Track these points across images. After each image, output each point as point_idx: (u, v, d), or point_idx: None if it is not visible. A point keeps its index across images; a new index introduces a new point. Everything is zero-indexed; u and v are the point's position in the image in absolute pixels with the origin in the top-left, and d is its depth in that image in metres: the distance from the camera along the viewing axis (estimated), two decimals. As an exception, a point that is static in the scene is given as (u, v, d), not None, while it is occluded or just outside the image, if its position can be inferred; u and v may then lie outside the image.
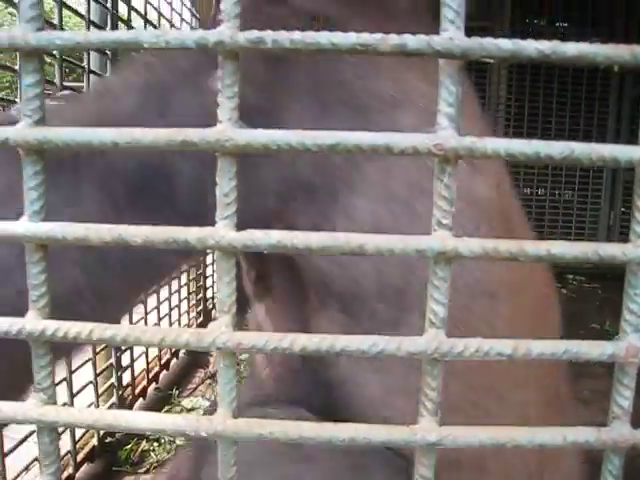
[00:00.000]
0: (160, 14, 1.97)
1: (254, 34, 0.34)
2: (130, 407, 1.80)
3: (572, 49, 0.35)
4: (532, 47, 0.35)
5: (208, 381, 2.08)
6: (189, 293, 2.48)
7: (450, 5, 0.35)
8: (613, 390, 0.39)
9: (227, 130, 0.35)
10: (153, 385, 2.03)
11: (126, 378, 1.85)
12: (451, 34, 0.35)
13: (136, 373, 1.93)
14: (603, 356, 0.37)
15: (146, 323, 1.88)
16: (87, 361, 1.55)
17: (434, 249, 0.35)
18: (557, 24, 4.57)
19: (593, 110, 4.61)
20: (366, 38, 0.34)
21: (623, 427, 0.39)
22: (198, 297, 2.61)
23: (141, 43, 0.35)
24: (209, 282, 2.80)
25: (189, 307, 2.48)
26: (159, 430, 0.37)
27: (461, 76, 0.36)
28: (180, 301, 2.32)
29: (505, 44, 0.35)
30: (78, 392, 1.51)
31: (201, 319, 2.60)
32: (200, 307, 2.61)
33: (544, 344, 0.37)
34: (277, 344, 0.36)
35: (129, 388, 1.88)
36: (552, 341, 0.37)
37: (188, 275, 2.42)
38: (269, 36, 0.34)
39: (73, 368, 1.45)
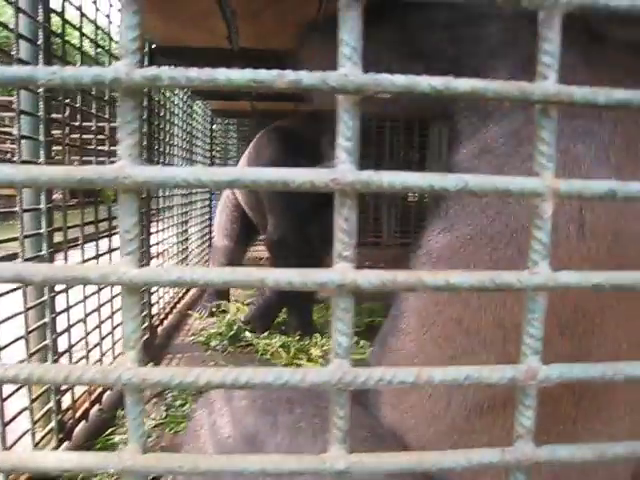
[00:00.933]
0: (97, 27, 1.88)
1: (150, 71, 0.34)
2: (71, 431, 1.73)
3: (464, 85, 0.36)
4: (425, 83, 0.35)
5: (154, 400, 2.00)
6: None
7: (347, 42, 0.36)
8: (516, 411, 0.40)
9: (126, 167, 0.35)
10: (96, 407, 1.93)
11: (66, 401, 1.76)
12: (346, 70, 0.35)
13: (77, 395, 1.83)
14: (503, 380, 0.38)
15: (87, 344, 1.82)
16: (20, 387, 1.46)
17: (334, 281, 0.36)
18: None
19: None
20: (262, 74, 0.35)
21: (526, 446, 0.40)
22: (143, 314, 2.53)
23: (37, 79, 0.35)
24: (154, 298, 2.75)
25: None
26: (66, 469, 0.37)
27: (360, 111, 0.36)
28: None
29: (399, 80, 0.35)
30: (10, 421, 1.41)
31: (147, 336, 2.54)
32: (145, 324, 2.53)
33: (446, 371, 0.38)
34: (182, 379, 0.36)
35: (69, 411, 1.77)
36: (454, 367, 0.38)
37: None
38: (165, 72, 0.35)
39: (4, 395, 1.35)
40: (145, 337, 2.44)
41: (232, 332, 2.71)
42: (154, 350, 2.50)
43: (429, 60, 1.00)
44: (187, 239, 3.57)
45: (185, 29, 2.08)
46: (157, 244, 2.67)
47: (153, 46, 2.37)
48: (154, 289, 2.63)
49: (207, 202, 4.36)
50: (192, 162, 3.74)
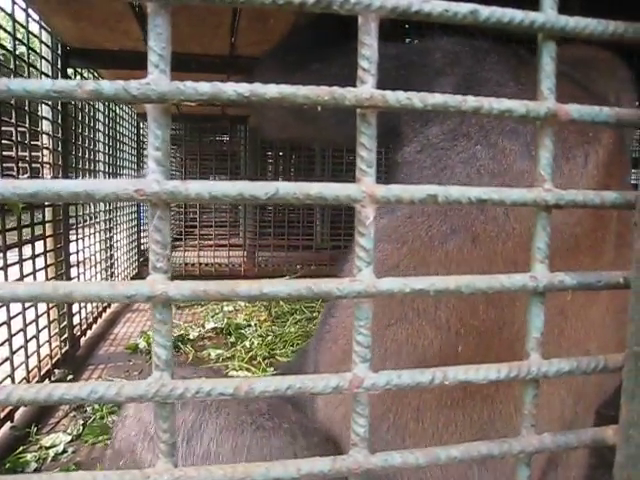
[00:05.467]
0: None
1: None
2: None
3: (272, 91, 0.35)
4: (231, 90, 0.35)
5: (72, 414, 1.93)
6: (50, 322, 2.27)
7: (154, 49, 0.35)
8: (351, 419, 0.40)
9: None
10: (8, 424, 1.82)
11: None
12: (150, 78, 0.34)
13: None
14: (327, 389, 0.38)
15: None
16: None
17: (144, 294, 0.35)
18: None
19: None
20: (61, 84, 0.34)
21: (359, 454, 0.40)
22: (62, 325, 2.41)
23: None
24: (75, 307, 2.63)
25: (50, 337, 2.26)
26: None
27: (168, 120, 0.35)
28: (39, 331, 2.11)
29: (203, 87, 0.35)
30: None
31: (67, 347, 2.42)
32: (65, 335, 2.43)
33: (266, 381, 0.37)
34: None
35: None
36: (277, 378, 0.38)
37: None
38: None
39: None
40: (64, 349, 2.36)
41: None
42: (75, 362, 2.43)
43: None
44: (112, 247, 3.49)
45: (98, 31, 2.03)
46: (77, 252, 2.60)
47: (67, 48, 2.30)
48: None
49: (134, 209, 4.28)
50: (117, 168, 3.66)
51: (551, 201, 0.40)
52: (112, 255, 3.46)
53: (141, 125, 4.50)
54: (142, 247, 4.49)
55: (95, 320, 2.98)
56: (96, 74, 2.85)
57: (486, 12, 0.38)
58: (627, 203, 0.42)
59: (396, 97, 0.37)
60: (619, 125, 0.42)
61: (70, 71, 2.43)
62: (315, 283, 0.37)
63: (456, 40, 1.05)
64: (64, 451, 1.65)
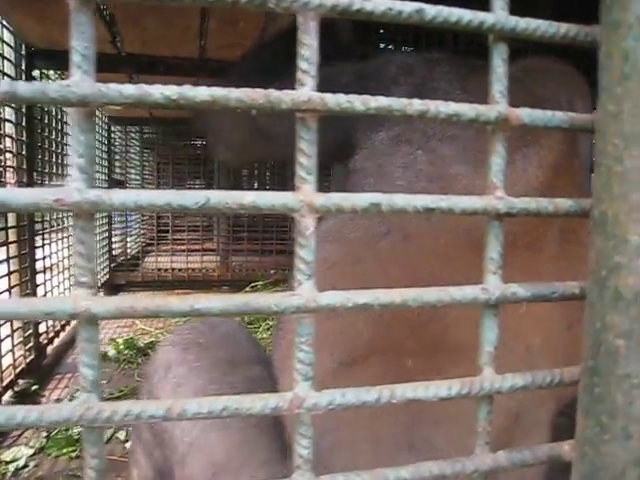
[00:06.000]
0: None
1: None
2: None
3: (203, 94, 0.33)
4: (158, 92, 0.33)
5: None
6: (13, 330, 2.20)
7: (76, 48, 0.32)
8: (294, 441, 0.38)
9: None
10: None
11: None
12: (72, 80, 0.32)
13: None
14: (266, 409, 0.36)
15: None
16: None
17: (65, 311, 0.33)
18: (404, 49, 4.67)
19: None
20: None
21: (302, 477, 0.38)
22: (27, 333, 2.35)
23: None
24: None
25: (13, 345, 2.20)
26: None
27: (92, 124, 0.33)
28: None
29: (128, 90, 0.32)
30: None
31: (32, 356, 2.36)
32: (30, 344, 2.35)
33: (200, 403, 0.35)
34: None
35: None
36: (211, 398, 0.35)
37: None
38: None
39: None
40: (29, 358, 2.30)
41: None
42: (41, 371, 2.38)
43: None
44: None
45: (63, 31, 1.98)
46: (44, 258, 2.55)
47: (32, 49, 2.25)
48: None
49: (106, 213, 4.21)
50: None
51: (502, 209, 0.39)
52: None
53: (112, 129, 4.45)
54: (113, 252, 4.42)
55: (63, 327, 2.92)
56: (63, 76, 2.80)
57: (432, 11, 0.36)
58: (582, 211, 0.41)
59: (336, 100, 0.35)
60: (572, 130, 0.40)
61: (36, 73, 2.38)
62: (252, 298, 0.35)
63: (411, 53, 1.14)
64: (25, 465, 1.60)
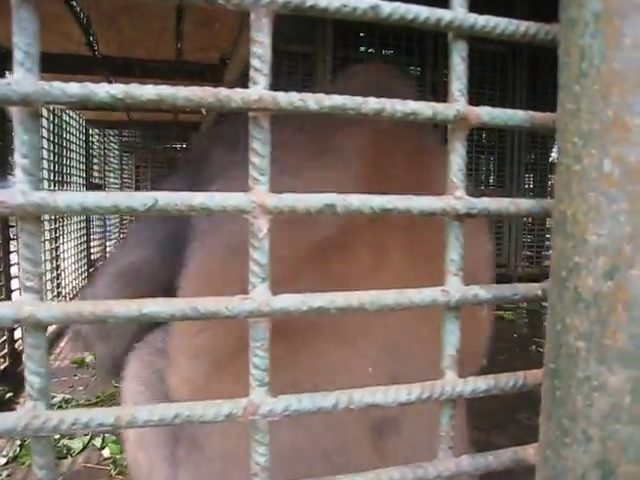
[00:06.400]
0: None
1: None
2: None
3: (150, 92, 0.32)
4: (103, 91, 0.32)
5: None
6: None
7: (19, 45, 0.32)
8: (251, 449, 0.37)
9: None
10: None
11: None
12: (13, 78, 0.31)
13: None
14: (219, 416, 0.35)
15: None
16: None
17: (9, 317, 0.32)
18: (384, 52, 4.66)
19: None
20: None
21: (259, 486, 0.37)
22: (1, 339, 2.33)
23: None
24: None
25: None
26: None
27: (36, 123, 0.32)
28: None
29: (72, 88, 0.31)
30: None
31: (7, 363, 2.32)
32: (5, 350, 2.31)
33: (150, 410, 0.34)
34: None
35: None
36: (163, 405, 0.34)
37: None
38: None
39: None
40: (4, 365, 2.25)
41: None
42: (16, 378, 2.34)
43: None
44: (59, 257, 3.39)
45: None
46: (18, 264, 2.51)
47: (4, 50, 2.22)
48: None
49: (84, 217, 4.18)
50: (63, 176, 3.56)
51: (462, 210, 0.38)
52: (59, 266, 3.37)
53: (90, 132, 4.41)
54: (92, 257, 4.38)
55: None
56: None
57: (388, 8, 0.36)
58: (544, 211, 0.40)
59: (288, 98, 0.34)
60: (533, 128, 0.39)
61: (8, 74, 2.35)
62: (202, 303, 0.34)
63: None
64: (-3, 475, 1.58)
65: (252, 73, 0.34)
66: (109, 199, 0.32)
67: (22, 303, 0.32)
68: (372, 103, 0.36)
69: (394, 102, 0.36)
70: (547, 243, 5.36)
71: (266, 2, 0.34)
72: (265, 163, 0.34)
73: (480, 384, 0.40)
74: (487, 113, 0.39)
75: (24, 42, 0.31)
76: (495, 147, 4.09)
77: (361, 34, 4.55)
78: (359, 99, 0.36)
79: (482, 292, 0.39)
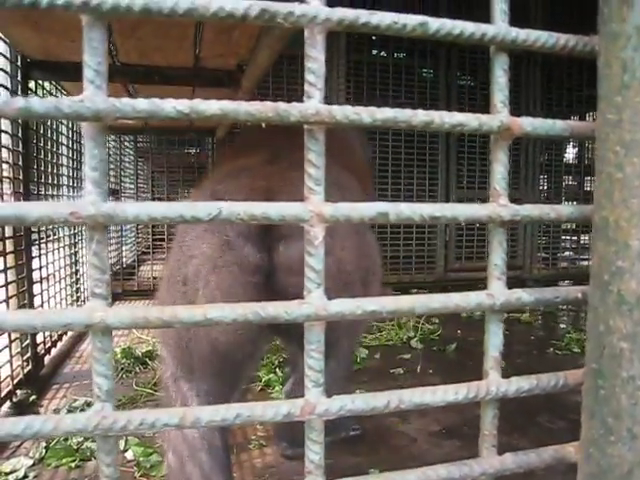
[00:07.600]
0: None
1: None
2: None
3: (213, 107, 0.34)
4: (170, 106, 0.33)
5: None
6: (11, 341, 2.14)
7: (89, 64, 0.33)
8: (305, 447, 0.38)
9: None
10: None
11: None
12: (85, 95, 0.33)
13: None
14: (278, 416, 0.36)
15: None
16: None
17: (81, 322, 0.33)
18: (397, 55, 4.69)
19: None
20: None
21: (314, 483, 0.38)
22: (24, 344, 2.28)
23: None
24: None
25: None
26: None
27: (104, 138, 0.34)
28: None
29: (141, 104, 0.33)
30: None
31: (30, 367, 2.32)
32: (28, 354, 2.30)
33: (213, 411, 0.35)
34: None
35: None
36: (224, 406, 0.36)
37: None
38: None
39: None
40: (27, 369, 2.27)
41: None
42: (39, 381, 2.35)
43: None
44: (78, 262, 3.41)
45: (60, 42, 1.98)
46: (40, 269, 2.53)
47: (28, 60, 2.24)
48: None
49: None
50: (83, 182, 3.59)
51: (506, 217, 0.40)
52: (78, 270, 3.39)
53: (107, 139, 4.42)
54: (110, 261, 4.39)
55: (60, 337, 2.91)
56: (59, 87, 2.80)
57: (436, 24, 0.37)
58: (583, 217, 0.42)
59: (343, 112, 0.36)
60: (572, 137, 0.41)
61: (32, 84, 2.38)
62: (262, 307, 0.35)
63: None
64: (25, 476, 1.59)
65: (307, 87, 0.36)
66: (174, 209, 0.34)
67: (92, 309, 0.34)
68: (421, 115, 0.37)
69: (442, 114, 0.38)
70: (562, 245, 5.37)
71: (322, 20, 0.35)
72: (320, 174, 0.36)
73: (523, 384, 0.41)
74: (529, 124, 0.40)
75: (95, 61, 0.33)
76: (509, 149, 4.06)
77: (373, 37, 4.59)
78: (408, 112, 0.37)
79: (525, 295, 0.41)
